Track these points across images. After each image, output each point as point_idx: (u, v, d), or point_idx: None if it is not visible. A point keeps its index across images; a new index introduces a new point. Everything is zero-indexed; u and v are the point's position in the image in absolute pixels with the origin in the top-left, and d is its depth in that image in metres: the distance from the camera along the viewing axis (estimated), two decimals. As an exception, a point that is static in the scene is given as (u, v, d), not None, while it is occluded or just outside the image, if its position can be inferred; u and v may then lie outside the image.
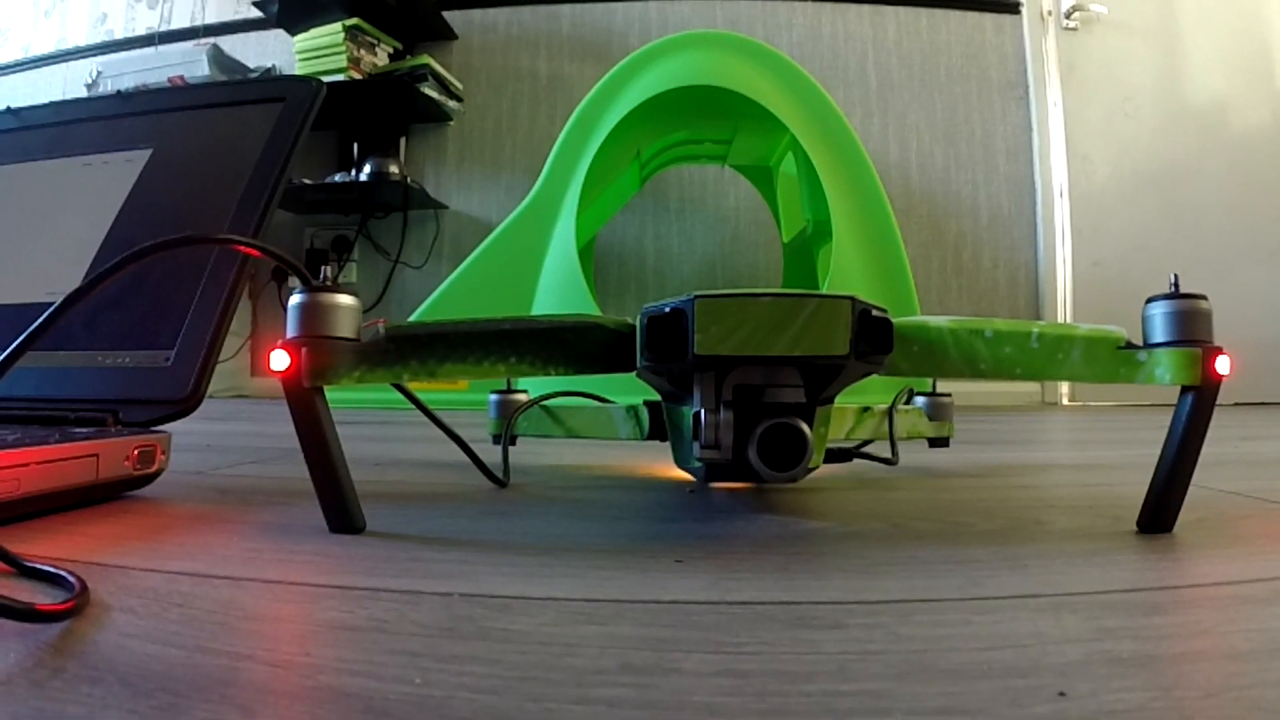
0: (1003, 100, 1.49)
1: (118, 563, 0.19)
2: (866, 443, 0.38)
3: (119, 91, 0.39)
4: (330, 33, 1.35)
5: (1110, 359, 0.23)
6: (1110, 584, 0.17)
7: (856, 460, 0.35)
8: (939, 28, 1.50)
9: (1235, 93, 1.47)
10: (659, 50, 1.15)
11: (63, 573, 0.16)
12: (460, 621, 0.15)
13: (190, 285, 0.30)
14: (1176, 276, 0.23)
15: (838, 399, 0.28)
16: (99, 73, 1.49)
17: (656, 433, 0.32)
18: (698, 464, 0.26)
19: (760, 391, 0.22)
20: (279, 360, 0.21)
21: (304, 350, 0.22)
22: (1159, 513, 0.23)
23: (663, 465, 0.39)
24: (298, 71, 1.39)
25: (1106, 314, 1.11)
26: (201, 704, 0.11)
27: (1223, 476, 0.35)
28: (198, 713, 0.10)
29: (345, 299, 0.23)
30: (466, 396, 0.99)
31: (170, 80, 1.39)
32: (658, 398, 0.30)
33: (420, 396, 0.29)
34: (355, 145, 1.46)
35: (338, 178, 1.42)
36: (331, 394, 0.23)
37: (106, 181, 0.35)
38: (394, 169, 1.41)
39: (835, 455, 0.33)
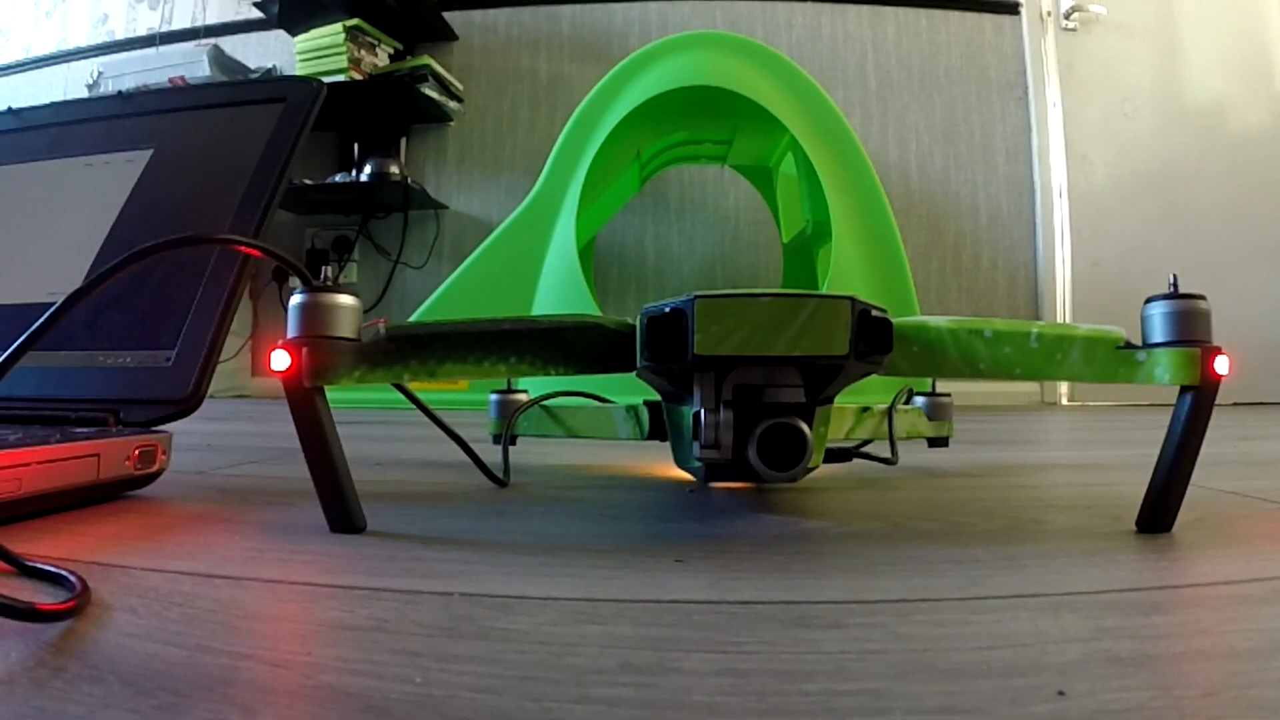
0: (1002, 101, 1.49)
1: (119, 562, 0.19)
2: (866, 442, 0.38)
3: (120, 92, 0.39)
4: (331, 33, 1.35)
5: (1109, 359, 0.23)
6: (1109, 583, 0.17)
7: (856, 460, 0.35)
8: (938, 28, 1.51)
9: (1234, 93, 1.47)
10: (659, 51, 1.15)
11: (64, 572, 0.16)
12: (460, 621, 0.15)
13: (191, 285, 0.30)
14: (1175, 276, 0.23)
15: (837, 399, 0.28)
16: (100, 73, 1.49)
17: (656, 433, 0.32)
18: (698, 464, 0.26)
19: (760, 391, 0.22)
20: (280, 360, 0.21)
21: (305, 350, 0.22)
22: (1158, 512, 0.23)
23: (663, 465, 0.39)
24: (298, 72, 1.39)
25: (1105, 314, 1.11)
26: (202, 703, 0.11)
27: (1222, 476, 0.35)
28: (199, 712, 0.10)
29: (346, 299, 0.23)
30: (467, 396, 0.99)
31: (171, 81, 1.39)
32: (658, 398, 0.30)
33: (421, 396, 0.29)
34: (356, 146, 1.46)
35: (338, 178, 1.42)
36: (332, 394, 0.23)
37: (107, 182, 0.35)
38: (394, 169, 1.41)
39: (835, 455, 0.33)
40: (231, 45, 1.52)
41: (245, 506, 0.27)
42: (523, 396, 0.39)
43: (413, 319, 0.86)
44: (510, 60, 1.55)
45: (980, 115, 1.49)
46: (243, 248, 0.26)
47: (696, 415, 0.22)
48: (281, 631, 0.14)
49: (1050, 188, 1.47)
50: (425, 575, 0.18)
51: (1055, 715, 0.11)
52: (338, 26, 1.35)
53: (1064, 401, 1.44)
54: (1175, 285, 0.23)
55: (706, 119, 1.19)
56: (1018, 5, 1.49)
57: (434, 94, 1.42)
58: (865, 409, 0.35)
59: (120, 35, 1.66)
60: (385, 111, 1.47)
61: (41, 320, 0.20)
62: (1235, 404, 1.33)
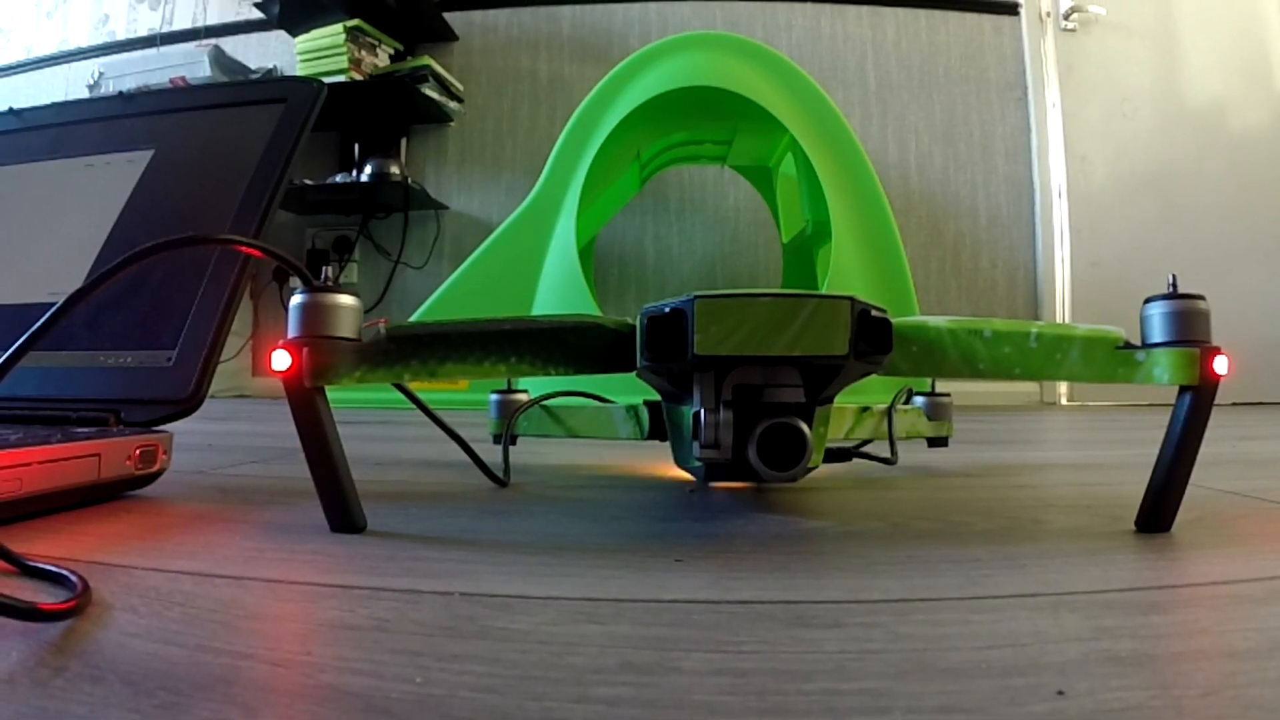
0: (1001, 101, 1.49)
1: (120, 562, 0.19)
2: (866, 442, 0.38)
3: (121, 92, 0.39)
4: (331, 34, 1.36)
5: (1109, 359, 0.23)
6: (1108, 583, 0.17)
7: (856, 460, 0.35)
8: (938, 29, 1.51)
9: (1233, 94, 1.47)
10: (659, 51, 1.16)
11: (65, 572, 0.16)
12: (461, 620, 0.15)
13: (192, 285, 0.30)
14: (1174, 277, 0.23)
15: (837, 399, 0.28)
16: (101, 74, 1.49)
17: (656, 432, 0.32)
18: (697, 464, 0.26)
19: (760, 391, 0.22)
20: (280, 360, 0.21)
21: (305, 350, 0.22)
22: (1157, 512, 0.23)
23: (663, 465, 0.39)
24: (299, 72, 1.39)
25: (1105, 314, 1.11)
26: (203, 703, 0.11)
27: (1221, 476, 0.35)
28: (199, 711, 0.10)
29: (346, 299, 0.23)
30: (467, 396, 0.99)
31: (172, 81, 1.39)
32: (658, 398, 0.30)
33: (421, 396, 0.29)
34: (356, 146, 1.46)
35: (339, 178, 1.43)
36: (332, 394, 0.23)
37: (108, 182, 0.35)
38: (395, 170, 1.41)
39: (834, 455, 0.33)
40: (232, 46, 1.52)
41: (246, 506, 0.27)
42: (523, 396, 0.39)
43: (413, 319, 0.86)
44: (510, 61, 1.55)
45: (980, 116, 1.50)
46: (243, 248, 0.26)
47: (696, 415, 0.22)
48: (282, 631, 0.14)
49: (1049, 188, 1.47)
50: (425, 575, 0.18)
51: (1054, 714, 0.11)
52: (338, 27, 1.35)
53: (1063, 401, 1.44)
54: (1174, 285, 0.23)
55: (706, 119, 1.19)
56: (1017, 6, 1.49)
57: (434, 94, 1.42)
58: (865, 409, 0.35)
59: (121, 36, 1.66)
60: (386, 112, 1.47)
61: (42, 320, 0.20)
62: (1234, 404, 1.33)
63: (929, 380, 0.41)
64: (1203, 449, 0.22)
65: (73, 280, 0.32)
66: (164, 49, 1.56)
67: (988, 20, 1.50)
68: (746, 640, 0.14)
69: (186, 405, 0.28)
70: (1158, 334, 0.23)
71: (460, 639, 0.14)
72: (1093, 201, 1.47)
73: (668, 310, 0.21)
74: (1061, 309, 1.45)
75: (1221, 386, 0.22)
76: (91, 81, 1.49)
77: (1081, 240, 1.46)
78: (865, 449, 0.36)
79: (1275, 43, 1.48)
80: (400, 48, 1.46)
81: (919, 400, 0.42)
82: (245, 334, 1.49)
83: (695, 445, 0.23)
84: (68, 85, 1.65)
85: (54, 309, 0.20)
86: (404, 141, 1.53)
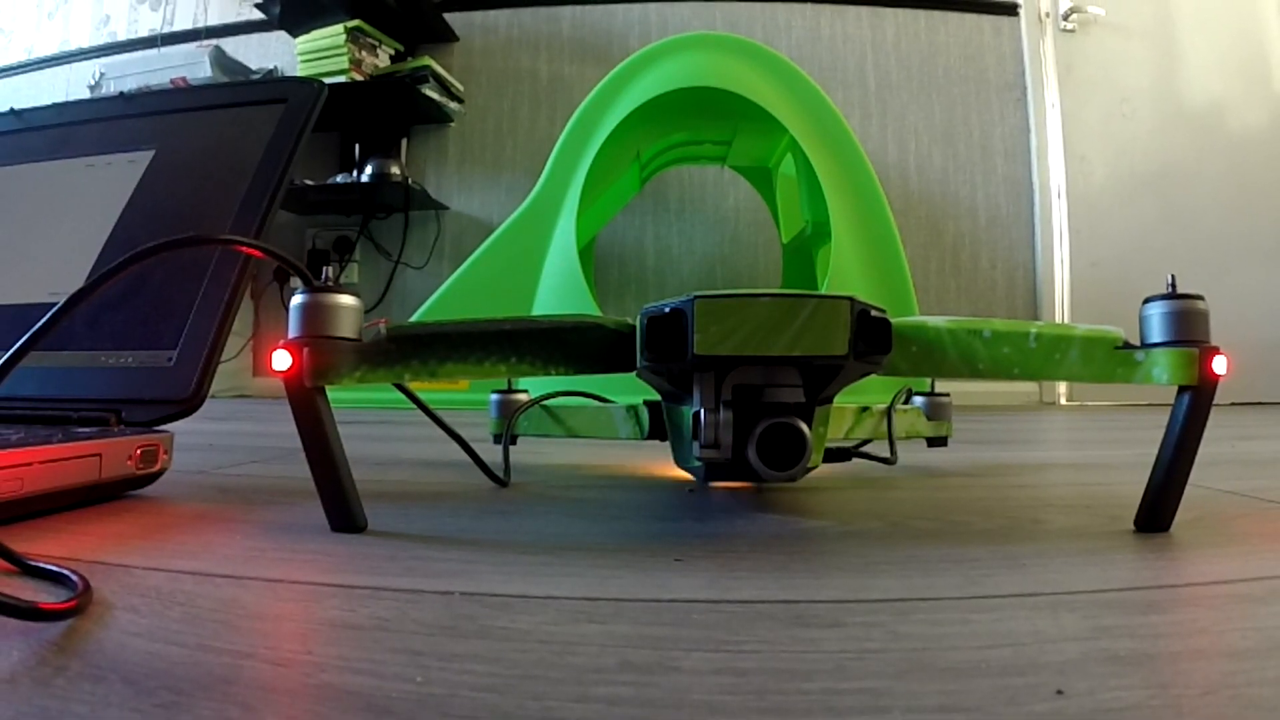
0: (1001, 102, 1.49)
1: (120, 561, 0.19)
2: (865, 442, 0.38)
3: (122, 93, 0.39)
4: (332, 34, 1.36)
5: (1108, 359, 0.23)
6: (1108, 583, 0.17)
7: (855, 460, 0.35)
8: (937, 29, 1.51)
9: (1232, 94, 1.48)
10: (659, 52, 1.16)
11: (66, 571, 0.16)
12: (461, 620, 0.15)
13: (192, 285, 0.30)
14: (1174, 277, 0.23)
15: (836, 399, 0.28)
16: (102, 74, 1.49)
17: (656, 432, 0.32)
18: (697, 463, 0.26)
19: (759, 391, 0.22)
20: (281, 360, 0.21)
21: (306, 350, 0.22)
22: (1156, 512, 0.23)
23: (663, 465, 0.39)
24: (299, 73, 1.39)
25: (1104, 314, 1.11)
26: (204, 702, 0.11)
27: (1220, 476, 0.35)
28: (200, 711, 0.11)
29: (347, 299, 0.23)
30: (467, 396, 0.99)
31: (173, 82, 1.39)
32: (658, 398, 0.30)
33: (421, 396, 0.29)
34: (357, 146, 1.46)
35: (339, 179, 1.43)
36: (333, 394, 0.23)
37: (109, 182, 0.35)
38: (395, 170, 1.41)
39: (834, 455, 0.33)
40: (233, 46, 1.52)
41: (247, 506, 0.27)
42: (523, 396, 0.39)
43: (413, 319, 0.86)
44: (511, 61, 1.55)
45: (979, 116, 1.50)
46: (244, 248, 0.26)
47: (696, 415, 0.22)
48: (283, 630, 0.14)
49: (1049, 188, 1.47)
50: (426, 574, 0.18)
51: (1054, 714, 0.11)
52: (339, 28, 1.35)
53: (1062, 401, 1.45)
54: (1173, 285, 0.23)
55: (706, 120, 1.19)
56: (1016, 6, 1.50)
57: (435, 95, 1.42)
58: (864, 409, 0.35)
59: (122, 36, 1.66)
60: (386, 112, 1.47)
61: (43, 320, 0.20)
62: (1233, 404, 1.33)
63: (928, 380, 0.41)
64: (1202, 449, 0.22)
65: (74, 280, 0.32)
66: (165, 49, 1.56)
67: (987, 21, 1.51)
68: (746, 640, 0.14)
69: (187, 405, 0.28)
70: (1157, 334, 0.23)
71: (461, 638, 0.14)
72: (1092, 202, 1.47)
73: (668, 310, 0.21)
74: (1061, 309, 1.45)
75: (1220, 386, 0.22)
76: (92, 82, 1.50)
77: (1081, 240, 1.46)
78: (865, 449, 0.36)
79: (1274, 43, 1.48)
80: (401, 48, 1.46)
81: (918, 400, 0.42)
82: (246, 334, 1.49)
83: (695, 445, 0.23)
84: (69, 86, 1.65)
85: (55, 309, 0.21)
86: (404, 142, 1.53)
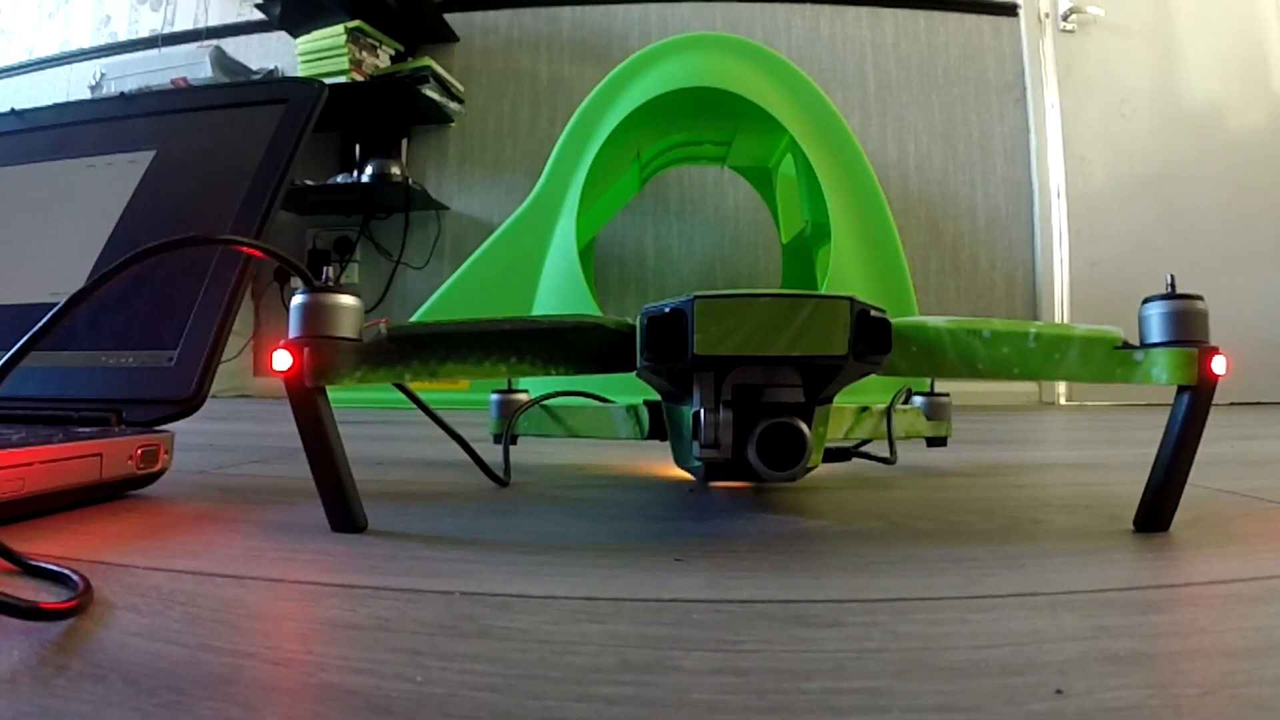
0: (1000, 102, 1.49)
1: (121, 561, 0.19)
2: (865, 442, 0.38)
3: (122, 93, 0.39)
4: (332, 35, 1.36)
5: (1107, 359, 0.23)
6: (1107, 582, 0.17)
7: (855, 459, 0.35)
8: (937, 30, 1.51)
9: (1231, 95, 1.48)
10: (659, 52, 1.16)
11: (67, 571, 0.16)
12: (461, 620, 0.15)
13: (193, 286, 0.30)
14: (1173, 277, 0.23)
15: (836, 399, 0.28)
16: (102, 74, 1.49)
17: (656, 432, 0.32)
18: (697, 463, 0.26)
19: (759, 391, 0.22)
20: (281, 360, 0.22)
21: (306, 350, 0.22)
22: (1155, 512, 0.23)
23: (662, 464, 0.39)
24: (300, 73, 1.39)
25: (1103, 314, 1.11)
26: (204, 701, 0.11)
27: (1219, 476, 0.35)
28: (201, 710, 0.11)
29: (347, 299, 0.23)
30: (467, 396, 0.99)
31: (173, 82, 1.39)
32: (658, 397, 0.30)
33: (421, 396, 0.29)
34: (357, 147, 1.46)
35: (340, 179, 1.43)
36: (333, 393, 0.24)
37: (110, 183, 0.35)
38: (395, 170, 1.41)
39: (834, 454, 0.33)
40: (233, 47, 1.52)
41: (247, 506, 0.27)
42: (523, 396, 0.39)
43: (414, 319, 0.86)
44: (511, 62, 1.55)
45: (979, 116, 1.50)
46: (244, 248, 0.26)
47: (696, 415, 0.23)
48: (283, 630, 0.14)
49: (1048, 188, 1.47)
50: (426, 574, 0.18)
51: (1053, 713, 0.11)
52: (339, 28, 1.35)
53: (1062, 401, 1.45)
54: (1172, 285, 0.23)
55: (706, 120, 1.19)
56: (1016, 7, 1.50)
57: (435, 95, 1.42)
58: (864, 409, 0.36)
59: (123, 37, 1.66)
60: (386, 113, 1.47)
61: (44, 321, 0.20)
62: (1232, 404, 1.33)
63: (928, 380, 0.41)
64: (1201, 449, 0.22)
65: (74, 280, 0.33)
66: (165, 50, 1.56)
67: (986, 21, 1.51)
68: (746, 639, 0.14)
69: (188, 405, 0.28)
70: (1156, 334, 0.23)
71: (461, 638, 0.14)
72: (1091, 202, 1.47)
73: (668, 310, 0.21)
74: (1060, 309, 1.45)
75: (1220, 386, 0.22)
76: (93, 82, 1.50)
77: (1080, 240, 1.46)
78: (864, 449, 0.36)
79: (1273, 44, 1.49)
80: (401, 49, 1.46)
81: (918, 400, 0.42)
82: (246, 334, 1.49)
83: (695, 445, 0.23)
84: (69, 86, 1.65)
85: (56, 309, 0.21)
86: (405, 142, 1.53)
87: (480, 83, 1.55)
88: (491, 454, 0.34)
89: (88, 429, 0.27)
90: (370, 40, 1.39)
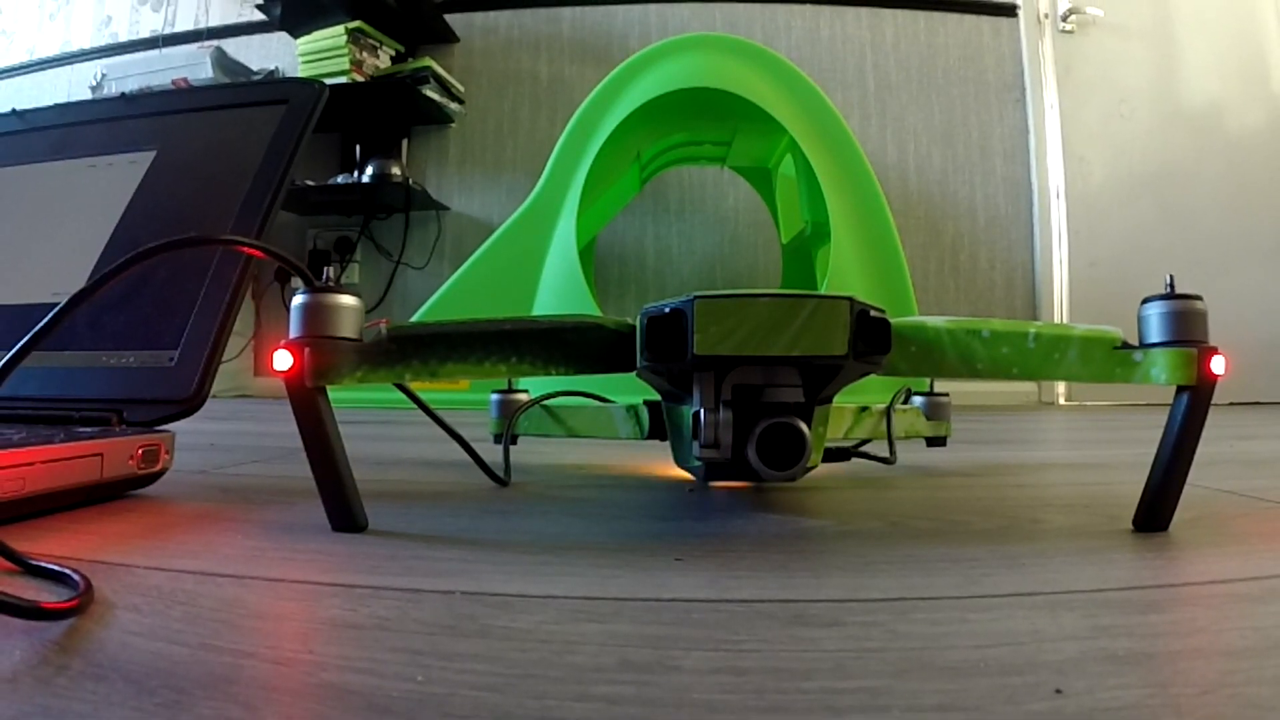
0: (1000, 102, 1.50)
1: (122, 561, 0.19)
2: (865, 442, 0.38)
3: (123, 94, 0.39)
4: (333, 35, 1.36)
5: (1106, 359, 0.23)
6: (1106, 582, 0.17)
7: (855, 459, 0.35)
8: (936, 30, 1.51)
9: (1230, 95, 1.48)
10: (659, 53, 1.16)
11: (67, 571, 0.16)
12: (462, 619, 0.15)
13: (194, 286, 0.30)
14: (1172, 277, 0.23)
15: (836, 398, 0.28)
16: (103, 75, 1.49)
17: (656, 432, 0.32)
18: (697, 463, 0.26)
19: (759, 391, 0.22)
20: (282, 360, 0.22)
21: (307, 350, 0.22)
22: (1155, 511, 0.23)
23: (662, 464, 0.39)
24: (300, 74, 1.39)
25: (1103, 314, 1.11)
26: (205, 701, 0.11)
27: (1218, 475, 0.35)
28: (201, 709, 0.11)
29: (348, 299, 0.23)
30: (468, 396, 0.99)
31: (174, 82, 1.39)
32: (658, 397, 0.30)
33: (422, 396, 0.29)
34: (357, 147, 1.46)
35: (340, 179, 1.43)
36: (334, 393, 0.24)
37: (111, 183, 0.35)
38: (396, 171, 1.41)
39: (833, 454, 0.33)
40: (234, 47, 1.52)
41: (248, 505, 0.27)
42: (523, 396, 0.39)
43: (414, 319, 0.86)
44: (511, 62, 1.55)
45: (978, 117, 1.50)
46: (245, 248, 0.26)
47: (696, 415, 0.23)
48: (284, 630, 0.14)
49: (1048, 189, 1.47)
50: (426, 574, 0.18)
51: (1052, 713, 0.11)
52: (339, 29, 1.35)
53: (1061, 401, 1.45)
54: (1172, 285, 0.23)
55: (706, 121, 1.19)
56: (1015, 7, 1.50)
57: (435, 96, 1.42)
58: (864, 408, 0.36)
59: (123, 37, 1.66)
60: (387, 113, 1.47)
61: (45, 321, 0.20)
62: (1231, 404, 1.33)
63: (927, 380, 0.41)
64: (1200, 448, 0.22)
65: (76, 281, 0.33)
66: (166, 50, 1.56)
67: (986, 22, 1.51)
68: (746, 639, 0.14)
69: (189, 405, 0.28)
70: (1155, 334, 0.23)
71: (461, 638, 0.14)
72: (1091, 202, 1.47)
73: (668, 310, 0.22)
74: (1059, 309, 1.45)
75: (1219, 386, 0.22)
76: (94, 83, 1.50)
77: (1079, 241, 1.46)
78: (864, 449, 0.36)
79: (1272, 44, 1.49)
80: (401, 49, 1.46)
81: (918, 400, 0.42)
82: (247, 334, 1.49)
83: (695, 445, 0.23)
84: (70, 87, 1.65)
85: (57, 309, 0.21)
86: (405, 142, 1.53)
87: (480, 83, 1.55)
88: (492, 454, 0.34)
89: (89, 429, 0.27)
90: (371, 41, 1.39)
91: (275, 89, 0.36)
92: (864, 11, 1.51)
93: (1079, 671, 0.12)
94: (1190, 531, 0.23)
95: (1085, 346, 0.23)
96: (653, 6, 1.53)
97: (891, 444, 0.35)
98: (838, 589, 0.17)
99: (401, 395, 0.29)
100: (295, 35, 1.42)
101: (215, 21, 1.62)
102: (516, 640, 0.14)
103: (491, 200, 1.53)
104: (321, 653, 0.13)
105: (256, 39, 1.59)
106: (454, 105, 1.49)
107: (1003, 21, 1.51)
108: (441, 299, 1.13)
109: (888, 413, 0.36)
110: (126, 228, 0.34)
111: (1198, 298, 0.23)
